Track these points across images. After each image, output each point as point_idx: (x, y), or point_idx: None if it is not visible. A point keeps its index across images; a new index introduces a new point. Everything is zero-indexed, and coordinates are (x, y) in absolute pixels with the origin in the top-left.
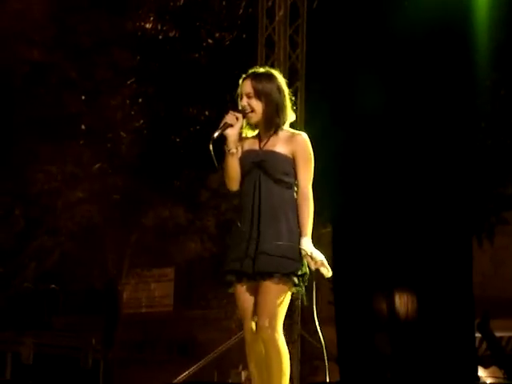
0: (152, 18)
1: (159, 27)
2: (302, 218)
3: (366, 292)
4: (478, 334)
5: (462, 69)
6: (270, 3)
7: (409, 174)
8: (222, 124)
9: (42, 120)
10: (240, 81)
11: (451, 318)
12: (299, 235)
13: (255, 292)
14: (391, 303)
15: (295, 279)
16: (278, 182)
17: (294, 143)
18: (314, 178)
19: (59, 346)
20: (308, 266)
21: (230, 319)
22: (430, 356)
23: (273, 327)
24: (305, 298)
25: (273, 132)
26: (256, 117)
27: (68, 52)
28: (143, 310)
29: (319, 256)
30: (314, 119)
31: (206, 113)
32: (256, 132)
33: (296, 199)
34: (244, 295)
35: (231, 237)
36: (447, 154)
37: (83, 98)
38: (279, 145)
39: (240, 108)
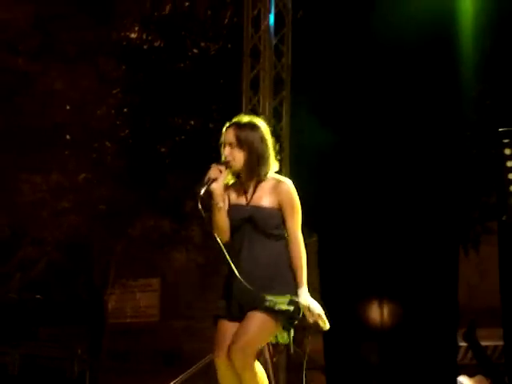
0: (137, 28)
1: (144, 37)
2: (296, 268)
3: (351, 301)
4: (464, 343)
5: (447, 79)
6: (255, 12)
7: (395, 183)
8: (206, 179)
9: (27, 129)
10: (223, 129)
11: (435, 326)
12: (295, 286)
13: (236, 327)
14: (377, 312)
15: (282, 318)
16: (269, 236)
17: (279, 193)
18: (298, 186)
19: (45, 356)
20: (303, 317)
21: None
22: (414, 364)
23: (246, 354)
24: (291, 346)
25: (256, 182)
26: (238, 165)
27: (53, 61)
28: (128, 320)
29: (317, 309)
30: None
31: (192, 122)
32: (237, 181)
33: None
34: (225, 329)
35: (223, 288)
36: (433, 163)
37: (68, 107)
38: (265, 197)
39: (222, 158)
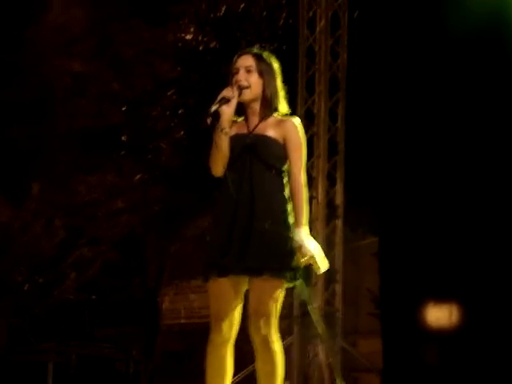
0: (192, 29)
1: (200, 38)
2: (296, 207)
3: (412, 303)
4: None
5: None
6: (310, 14)
7: (461, 178)
8: (219, 98)
9: (83, 131)
10: (235, 57)
11: (501, 329)
12: (293, 225)
13: (235, 290)
14: (440, 314)
15: (287, 274)
16: (270, 167)
17: (285, 128)
18: (358, 188)
19: (100, 356)
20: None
21: None
22: (478, 367)
23: (269, 327)
24: (307, 295)
25: (266, 115)
26: (250, 94)
27: (108, 63)
28: (182, 321)
29: (310, 250)
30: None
31: None
32: (240, 118)
33: (287, 186)
34: (221, 292)
35: (214, 224)
36: (498, 158)
37: (124, 108)
38: (270, 129)
39: (235, 84)
